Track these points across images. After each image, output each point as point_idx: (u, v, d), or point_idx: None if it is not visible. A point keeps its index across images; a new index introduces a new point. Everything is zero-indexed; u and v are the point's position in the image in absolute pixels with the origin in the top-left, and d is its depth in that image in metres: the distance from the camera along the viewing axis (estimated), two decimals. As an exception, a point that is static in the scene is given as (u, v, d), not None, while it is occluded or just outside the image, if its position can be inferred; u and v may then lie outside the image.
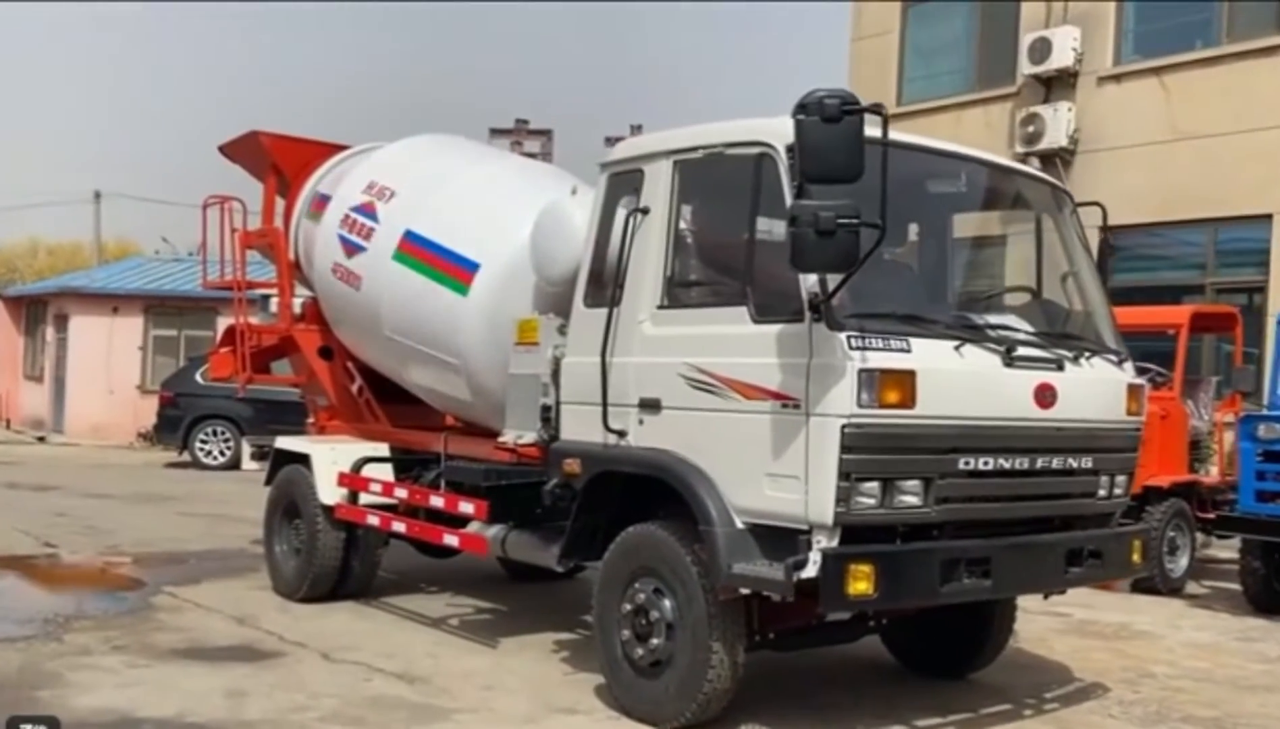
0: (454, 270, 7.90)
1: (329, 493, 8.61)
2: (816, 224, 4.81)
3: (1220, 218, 14.74)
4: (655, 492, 6.25)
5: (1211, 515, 10.77)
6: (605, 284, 6.45)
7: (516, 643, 7.78)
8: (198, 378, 20.58)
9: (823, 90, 4.91)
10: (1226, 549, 11.68)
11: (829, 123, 4.83)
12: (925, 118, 16.73)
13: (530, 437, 7.16)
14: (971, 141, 7.31)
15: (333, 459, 8.73)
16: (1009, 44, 17.00)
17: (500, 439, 7.48)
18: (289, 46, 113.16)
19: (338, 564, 8.74)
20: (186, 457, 20.50)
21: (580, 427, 6.50)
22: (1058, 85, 16.25)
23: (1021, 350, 5.74)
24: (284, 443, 9.33)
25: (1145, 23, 16.13)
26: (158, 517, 13.62)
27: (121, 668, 6.85)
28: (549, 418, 7.03)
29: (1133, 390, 6.35)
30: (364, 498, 8.51)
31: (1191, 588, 10.82)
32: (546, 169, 8.91)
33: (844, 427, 5.15)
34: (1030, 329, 6.02)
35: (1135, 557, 6.38)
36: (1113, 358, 6.32)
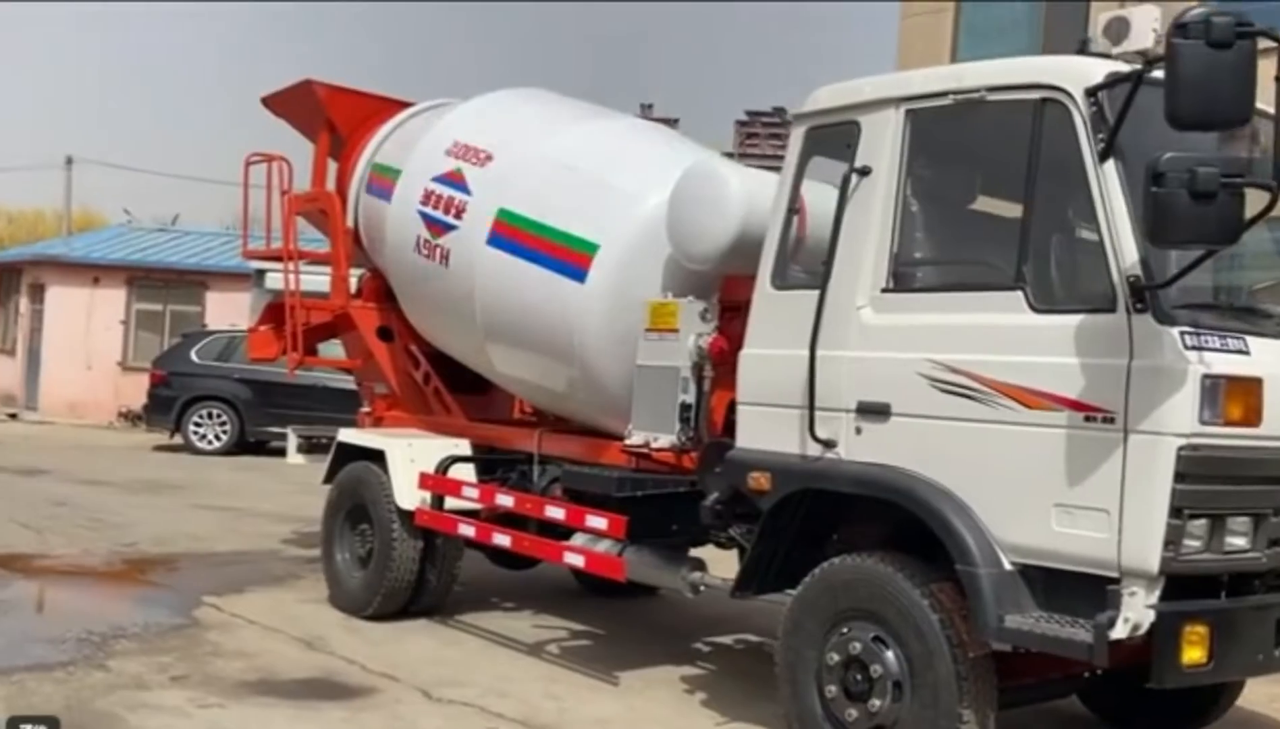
0: (567, 253, 6.76)
1: (408, 496, 7.42)
2: (1193, 184, 3.70)
3: (1315, 215, 13.79)
4: (835, 513, 5.23)
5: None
6: (802, 262, 5.36)
7: (638, 678, 6.64)
8: (192, 356, 19.35)
9: (1203, 8, 3.81)
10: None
11: (1216, 48, 3.75)
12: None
13: (667, 439, 6.14)
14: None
15: (410, 457, 7.54)
16: (1076, 23, 15.93)
17: (627, 441, 6.41)
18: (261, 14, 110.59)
19: (413, 578, 7.55)
20: (177, 440, 19.14)
21: (767, 433, 5.38)
22: (1135, 69, 15.22)
23: None
24: (349, 436, 8.12)
25: (1230, 5, 15.13)
26: (167, 509, 12.31)
27: (190, 708, 5.67)
28: (689, 417, 6.07)
29: None
30: (449, 503, 7.35)
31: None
32: (660, 129, 7.74)
33: (1180, 449, 4.05)
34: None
35: None
36: None
